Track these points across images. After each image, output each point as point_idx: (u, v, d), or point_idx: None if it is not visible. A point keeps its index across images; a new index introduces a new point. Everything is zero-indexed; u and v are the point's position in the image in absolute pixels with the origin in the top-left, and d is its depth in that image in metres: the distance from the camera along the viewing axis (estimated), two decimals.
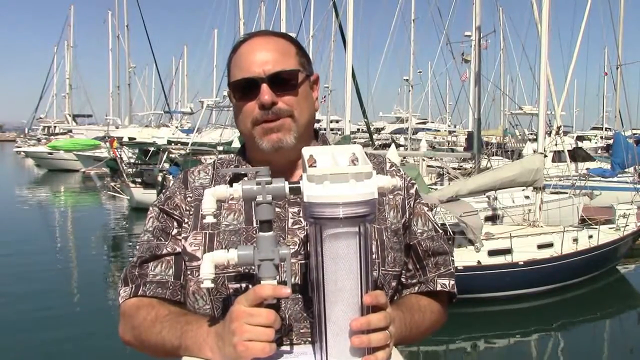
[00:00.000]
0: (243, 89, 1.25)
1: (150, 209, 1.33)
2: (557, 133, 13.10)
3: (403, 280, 1.33)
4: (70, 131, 45.62)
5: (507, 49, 33.07)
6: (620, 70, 26.83)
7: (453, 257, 1.38)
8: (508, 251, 9.76)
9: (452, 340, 8.79)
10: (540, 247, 10.22)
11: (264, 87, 1.22)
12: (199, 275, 1.18)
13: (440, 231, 1.38)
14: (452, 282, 1.35)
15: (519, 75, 33.51)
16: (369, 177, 1.00)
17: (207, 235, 1.25)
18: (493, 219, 12.08)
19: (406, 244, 1.32)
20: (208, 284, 1.05)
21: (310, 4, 28.73)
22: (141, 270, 1.27)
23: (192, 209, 1.29)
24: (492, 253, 9.81)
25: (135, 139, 32.20)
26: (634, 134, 26.03)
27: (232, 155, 1.40)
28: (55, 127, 51.46)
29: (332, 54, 34.16)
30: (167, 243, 1.27)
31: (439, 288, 1.32)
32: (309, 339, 1.18)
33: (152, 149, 23.23)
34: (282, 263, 1.06)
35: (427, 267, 1.33)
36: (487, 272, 9.71)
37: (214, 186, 1.26)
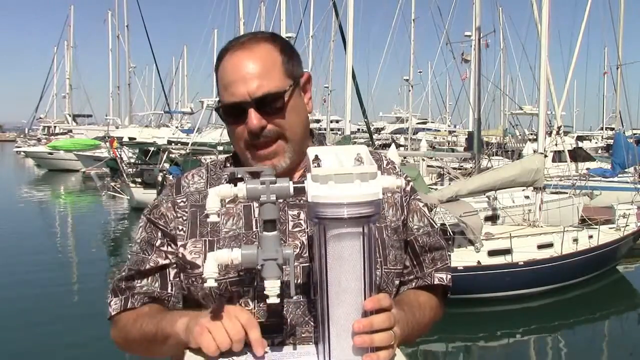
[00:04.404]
0: (231, 113, 1.23)
1: (141, 217, 1.33)
2: (558, 133, 13.10)
3: (401, 277, 1.33)
4: (70, 131, 45.60)
5: (507, 49, 33.11)
6: (620, 70, 26.83)
7: (448, 251, 1.39)
8: (508, 251, 9.75)
9: (452, 340, 8.78)
10: (540, 247, 10.21)
11: (251, 112, 1.19)
12: (202, 282, 1.19)
13: (436, 226, 1.38)
14: (449, 276, 1.35)
15: (519, 75, 33.54)
16: (374, 178, 1.00)
17: (207, 242, 1.24)
18: (493, 219, 12.06)
19: (403, 240, 1.32)
20: (212, 282, 1.05)
21: (310, 4, 28.79)
22: (128, 284, 1.28)
23: (187, 215, 1.27)
24: (492, 253, 9.80)
25: (135, 139, 32.23)
26: (634, 134, 26.00)
27: (225, 156, 1.38)
28: (55, 127, 51.40)
29: (332, 54, 34.13)
30: (150, 257, 1.27)
31: (436, 282, 1.33)
32: (310, 343, 1.18)
33: (152, 149, 23.23)
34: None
35: (424, 263, 1.33)
36: (487, 272, 9.71)
37: (209, 189, 1.28)
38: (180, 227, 1.27)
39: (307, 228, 1.22)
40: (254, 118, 1.19)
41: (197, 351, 1.07)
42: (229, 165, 1.34)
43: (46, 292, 10.40)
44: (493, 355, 8.75)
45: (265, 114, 1.20)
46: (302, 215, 1.24)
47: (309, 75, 1.31)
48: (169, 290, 1.27)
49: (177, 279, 1.28)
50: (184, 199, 1.30)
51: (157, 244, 1.28)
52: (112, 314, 1.28)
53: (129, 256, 1.31)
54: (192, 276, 1.25)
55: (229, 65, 1.23)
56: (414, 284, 1.33)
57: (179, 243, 1.26)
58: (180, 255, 1.26)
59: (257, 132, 1.20)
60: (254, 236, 1.23)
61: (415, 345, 7.98)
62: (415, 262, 1.33)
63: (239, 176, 1.28)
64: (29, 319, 8.84)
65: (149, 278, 1.27)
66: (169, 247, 1.27)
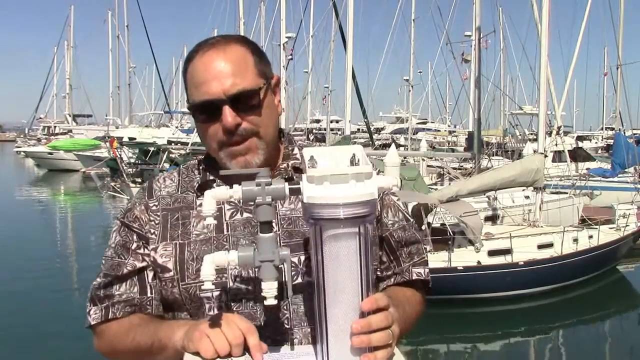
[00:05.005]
0: (204, 111, 1.21)
1: (115, 221, 1.33)
2: (558, 133, 13.11)
3: (378, 273, 1.33)
4: (70, 131, 45.69)
5: (507, 49, 33.13)
6: (620, 70, 26.82)
7: (425, 245, 1.38)
8: (508, 251, 9.75)
9: (452, 340, 8.79)
10: (540, 247, 10.22)
11: (226, 109, 1.18)
12: (172, 286, 1.22)
13: (411, 220, 1.37)
14: (427, 270, 1.35)
15: (519, 75, 33.55)
16: (369, 178, 1.00)
17: (178, 246, 1.24)
18: (493, 219, 12.08)
19: (378, 236, 1.32)
20: (209, 285, 1.05)
21: (310, 4, 28.78)
22: (106, 292, 1.26)
23: (159, 219, 1.27)
24: (492, 253, 9.80)
25: (135, 139, 32.32)
26: (634, 134, 26.00)
27: (197, 160, 1.37)
28: (55, 127, 51.50)
29: (332, 54, 34.15)
30: (127, 261, 1.26)
31: (414, 277, 1.33)
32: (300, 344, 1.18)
33: (152, 149, 23.30)
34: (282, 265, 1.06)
35: (401, 258, 1.33)
36: (487, 272, 9.71)
37: (181, 193, 1.29)
38: (152, 231, 1.26)
39: (279, 231, 1.23)
40: (228, 115, 1.18)
41: (196, 355, 1.07)
42: (201, 168, 1.33)
43: (45, 292, 10.40)
44: (493, 355, 8.75)
45: (239, 111, 1.19)
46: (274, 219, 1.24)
47: (278, 78, 1.31)
48: (149, 294, 1.25)
49: (155, 280, 1.27)
50: (156, 203, 1.29)
51: (133, 247, 1.27)
52: (92, 323, 1.26)
53: (103, 261, 1.29)
54: (163, 280, 1.24)
55: (200, 65, 1.21)
56: (392, 280, 1.33)
57: (151, 246, 1.26)
58: (152, 258, 1.25)
59: (232, 130, 1.19)
60: (225, 240, 1.23)
61: (415, 345, 7.99)
62: (392, 258, 1.33)
63: (211, 178, 1.28)
64: (28, 318, 8.83)
65: (127, 283, 1.26)
66: (145, 249, 1.26)
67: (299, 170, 1.29)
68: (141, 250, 1.26)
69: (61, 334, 8.25)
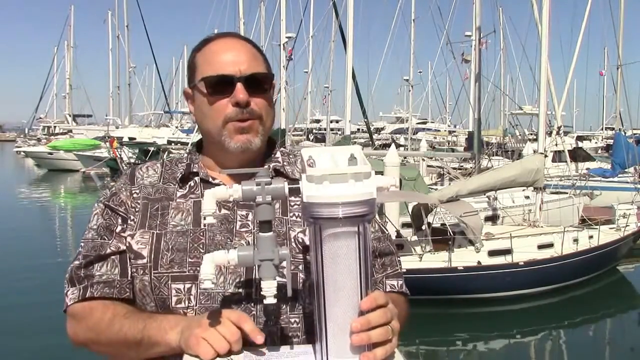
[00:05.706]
0: (216, 86, 1.25)
1: (95, 205, 1.33)
2: (558, 133, 13.12)
3: None
4: (70, 131, 45.71)
5: (507, 49, 33.11)
6: (620, 70, 26.81)
7: (399, 257, 1.39)
8: (508, 251, 9.76)
9: (452, 340, 8.79)
10: (540, 247, 10.22)
11: (240, 85, 1.23)
12: (143, 273, 1.23)
13: (386, 232, 1.39)
14: (401, 282, 1.36)
15: (519, 75, 33.50)
16: (368, 177, 1.01)
17: (155, 235, 1.24)
18: (493, 219, 12.08)
19: None
20: (208, 284, 1.05)
21: (310, 4, 28.70)
22: (87, 272, 1.25)
23: (139, 206, 1.28)
24: (492, 253, 9.81)
25: (135, 139, 32.35)
26: (634, 134, 26.01)
27: (184, 154, 1.39)
28: (55, 127, 51.55)
29: (332, 54, 34.12)
30: (110, 242, 1.26)
31: (388, 289, 1.33)
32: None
33: (152, 148, 23.31)
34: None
35: (374, 268, 1.33)
36: (487, 273, 9.71)
37: (162, 184, 1.30)
38: (132, 217, 1.28)
39: (254, 229, 1.24)
40: (241, 92, 1.23)
41: (196, 357, 1.07)
42: (184, 162, 1.35)
43: (45, 291, 10.37)
44: (493, 355, 8.75)
45: (250, 91, 1.24)
46: (250, 217, 1.26)
47: (275, 83, 1.36)
48: (129, 277, 1.25)
49: None
50: (137, 190, 1.31)
51: (118, 230, 1.27)
52: (69, 304, 1.24)
53: (82, 244, 1.29)
54: (135, 266, 1.25)
55: (217, 48, 1.28)
56: None
57: (128, 232, 1.27)
58: (127, 244, 1.26)
59: (243, 104, 1.23)
60: (201, 234, 1.24)
61: (415, 345, 7.99)
62: None
63: (195, 170, 1.31)
64: (27, 318, 8.82)
65: (109, 263, 1.25)
66: (127, 232, 1.27)
67: (280, 173, 1.32)
68: (125, 234, 1.27)
69: (60, 338, 8.24)
